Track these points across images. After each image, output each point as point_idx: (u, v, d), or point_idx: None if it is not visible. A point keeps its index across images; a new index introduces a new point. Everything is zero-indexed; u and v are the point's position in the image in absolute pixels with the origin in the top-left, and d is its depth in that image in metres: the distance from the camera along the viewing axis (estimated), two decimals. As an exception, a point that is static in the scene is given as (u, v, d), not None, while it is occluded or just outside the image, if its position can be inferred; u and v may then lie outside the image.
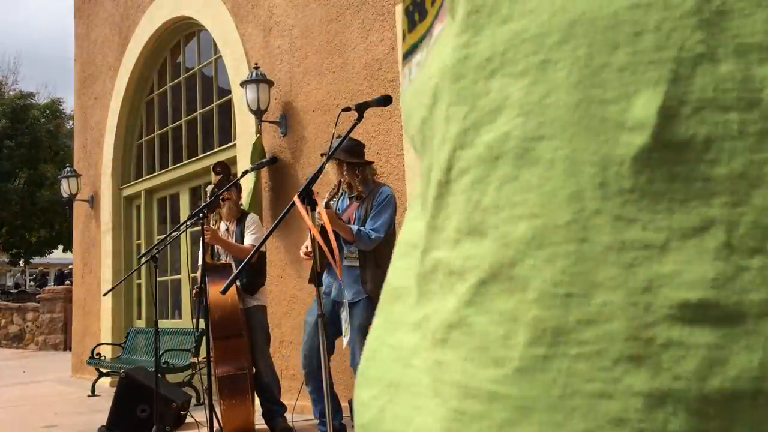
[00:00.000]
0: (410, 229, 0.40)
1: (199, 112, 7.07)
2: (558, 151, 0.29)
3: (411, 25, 0.43)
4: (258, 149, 5.48)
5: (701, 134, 0.27)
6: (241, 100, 5.50)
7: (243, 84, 5.38)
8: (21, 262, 25.76)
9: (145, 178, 7.89)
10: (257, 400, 4.26)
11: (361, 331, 3.38)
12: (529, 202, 0.30)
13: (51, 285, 19.63)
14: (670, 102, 0.28)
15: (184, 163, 7.18)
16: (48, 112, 22.56)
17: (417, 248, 0.37)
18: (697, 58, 0.28)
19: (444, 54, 0.35)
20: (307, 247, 3.40)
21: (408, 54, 0.43)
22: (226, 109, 6.56)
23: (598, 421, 0.27)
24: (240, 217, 4.33)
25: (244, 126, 5.82)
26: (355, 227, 3.40)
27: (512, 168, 0.31)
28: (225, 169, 4.18)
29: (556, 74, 0.30)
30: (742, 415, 0.26)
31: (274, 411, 4.21)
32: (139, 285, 7.90)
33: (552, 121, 0.30)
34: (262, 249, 4.16)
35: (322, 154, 3.75)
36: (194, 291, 4.26)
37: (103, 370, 7.00)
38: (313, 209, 2.60)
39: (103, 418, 4.61)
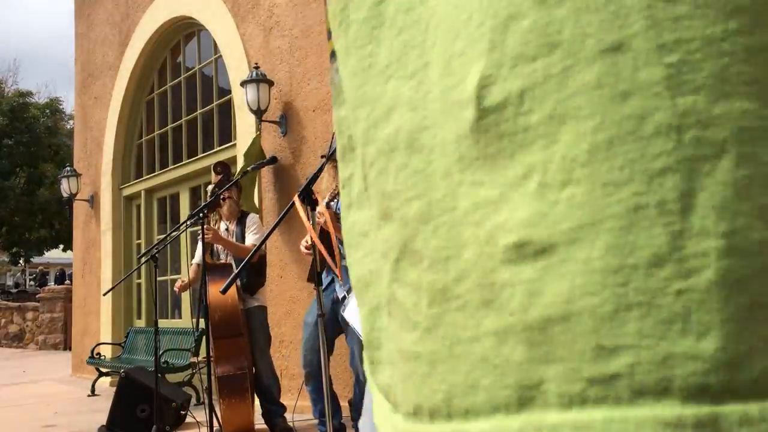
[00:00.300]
0: (353, 221, 0.44)
1: (199, 111, 7.07)
2: (434, 138, 0.33)
3: None
4: (256, 147, 5.48)
5: (515, 89, 0.30)
6: (242, 100, 5.50)
7: (243, 84, 5.38)
8: (21, 261, 25.76)
9: (145, 177, 7.89)
10: (257, 400, 4.27)
11: (361, 331, 3.38)
12: (418, 185, 0.34)
13: (51, 284, 19.63)
14: (488, 71, 0.30)
15: (184, 162, 7.19)
16: (48, 111, 22.56)
17: (367, 236, 0.42)
18: (506, 20, 0.30)
19: (350, 64, 0.40)
20: (307, 242, 3.40)
21: (334, 54, 0.46)
22: (226, 109, 6.56)
23: (472, 362, 0.31)
24: (240, 217, 4.33)
25: (244, 126, 5.83)
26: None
27: (404, 156, 0.35)
28: (225, 168, 4.19)
29: (431, 72, 0.33)
30: (558, 338, 0.28)
31: (274, 411, 4.22)
32: (139, 285, 7.90)
33: (430, 112, 0.33)
34: (262, 249, 4.16)
35: (322, 156, 3.75)
36: (178, 284, 4.28)
37: (103, 370, 7.00)
38: (313, 209, 2.60)
39: (103, 418, 4.62)
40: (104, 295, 5.63)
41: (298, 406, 4.07)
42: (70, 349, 9.73)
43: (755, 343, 0.25)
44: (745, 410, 0.25)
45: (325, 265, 3.48)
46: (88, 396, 6.87)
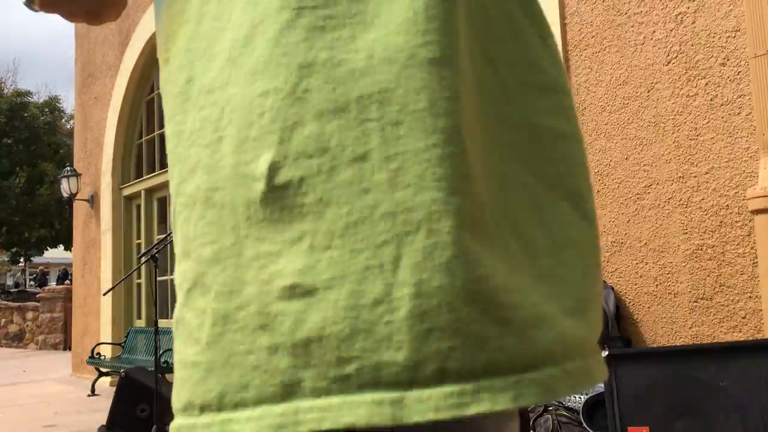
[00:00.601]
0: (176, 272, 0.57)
1: (199, 111, 7.06)
2: (225, 198, 0.45)
3: None
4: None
5: (297, 176, 0.42)
6: (241, 99, 5.49)
7: (243, 84, 5.37)
8: (21, 261, 25.74)
9: (145, 177, 7.89)
10: (257, 400, 4.26)
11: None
12: (211, 233, 0.46)
13: (51, 284, 19.60)
14: (277, 158, 0.42)
15: (184, 162, 7.17)
16: (47, 110, 22.53)
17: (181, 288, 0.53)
18: (293, 125, 0.42)
19: (169, 128, 0.52)
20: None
21: None
22: (226, 109, 6.55)
23: (245, 368, 0.43)
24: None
25: (244, 126, 5.82)
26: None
27: (202, 210, 0.47)
28: (225, 169, 4.18)
29: (225, 146, 0.45)
30: (314, 352, 0.40)
31: (274, 411, 4.21)
32: (139, 285, 7.90)
33: (223, 177, 0.45)
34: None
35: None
36: None
37: (103, 370, 7.00)
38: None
39: (103, 418, 4.62)
40: (104, 295, 5.62)
41: (298, 406, 4.06)
42: (70, 349, 9.72)
43: (429, 354, 0.39)
44: (421, 393, 0.39)
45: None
46: (88, 396, 6.87)
